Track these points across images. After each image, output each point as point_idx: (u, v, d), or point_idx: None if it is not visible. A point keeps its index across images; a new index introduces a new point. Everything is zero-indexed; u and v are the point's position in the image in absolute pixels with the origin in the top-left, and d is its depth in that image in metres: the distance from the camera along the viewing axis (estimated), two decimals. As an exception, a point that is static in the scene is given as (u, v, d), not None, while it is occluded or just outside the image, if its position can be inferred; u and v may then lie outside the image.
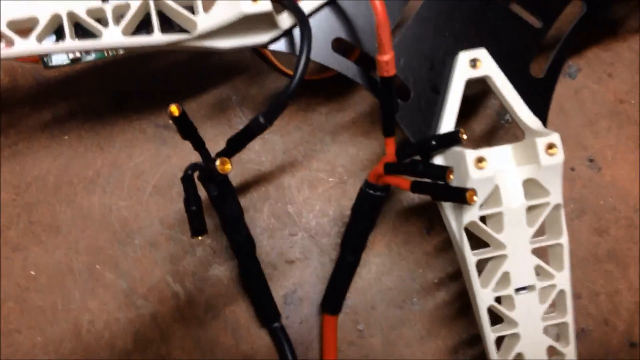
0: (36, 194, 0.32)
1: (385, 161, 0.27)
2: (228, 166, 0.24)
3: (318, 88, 0.34)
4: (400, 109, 0.28)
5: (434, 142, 0.26)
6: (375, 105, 0.34)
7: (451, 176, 0.25)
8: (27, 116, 0.33)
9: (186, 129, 0.25)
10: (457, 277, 0.33)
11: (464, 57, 0.27)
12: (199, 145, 0.26)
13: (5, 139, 0.32)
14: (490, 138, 0.34)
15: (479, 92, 0.34)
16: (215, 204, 0.28)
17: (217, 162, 0.23)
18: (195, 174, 0.27)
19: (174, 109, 0.23)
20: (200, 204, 0.26)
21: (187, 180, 0.26)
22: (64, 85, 0.32)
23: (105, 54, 0.27)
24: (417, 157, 0.28)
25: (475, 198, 0.24)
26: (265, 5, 0.24)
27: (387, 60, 0.25)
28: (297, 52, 0.24)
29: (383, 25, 0.24)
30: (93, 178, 0.33)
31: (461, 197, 0.24)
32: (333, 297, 0.31)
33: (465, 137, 0.26)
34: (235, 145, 0.25)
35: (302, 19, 0.25)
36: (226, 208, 0.28)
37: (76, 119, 0.33)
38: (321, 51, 0.27)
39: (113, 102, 0.33)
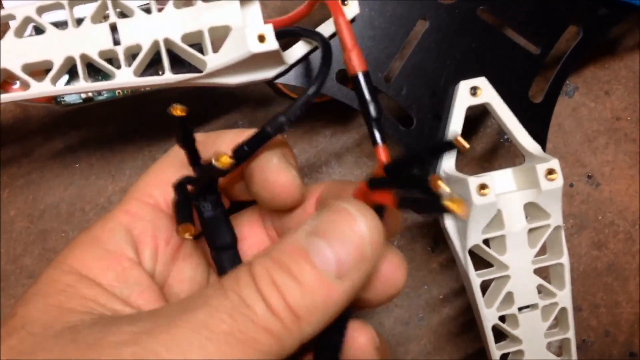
0: (50, 222, 0.33)
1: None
2: (225, 159, 0.20)
3: (322, 111, 0.34)
4: (404, 136, 0.29)
5: (429, 152, 0.24)
6: (378, 126, 0.35)
7: (439, 183, 0.19)
8: (39, 146, 0.33)
9: (186, 134, 0.22)
10: (461, 293, 0.34)
11: (464, 86, 0.28)
12: (194, 156, 0.23)
13: (18, 168, 0.33)
14: (491, 157, 0.35)
15: (479, 112, 0.35)
16: (207, 229, 0.24)
17: (213, 159, 0.20)
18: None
19: (179, 108, 0.20)
20: (190, 205, 0.23)
21: (179, 186, 0.23)
22: (75, 115, 0.33)
23: (117, 94, 0.28)
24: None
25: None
26: (272, 45, 0.25)
27: (351, 55, 0.23)
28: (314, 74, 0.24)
29: (342, 23, 0.23)
30: (105, 205, 0.33)
31: (436, 207, 0.21)
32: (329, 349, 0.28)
33: (465, 144, 0.22)
34: (244, 151, 0.22)
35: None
36: (219, 234, 0.24)
37: (87, 148, 0.33)
38: (326, 83, 0.28)
39: (123, 131, 0.34)
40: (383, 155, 0.22)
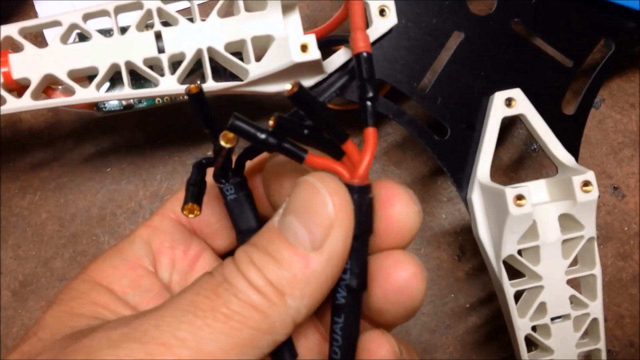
0: (80, 225, 0.33)
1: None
2: (229, 135, 0.20)
3: (349, 119, 0.35)
4: (438, 146, 0.29)
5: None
6: (407, 135, 0.35)
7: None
8: (70, 150, 0.34)
9: (203, 112, 0.21)
10: (487, 302, 0.34)
11: (499, 97, 0.28)
12: (215, 135, 0.21)
13: (50, 172, 0.33)
14: (517, 167, 0.35)
15: (505, 122, 0.35)
16: (231, 212, 0.23)
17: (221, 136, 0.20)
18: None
19: (193, 87, 0.20)
20: (203, 187, 0.23)
21: (197, 166, 0.23)
22: (106, 120, 0.33)
23: (156, 102, 0.28)
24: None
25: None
26: (315, 54, 0.25)
27: (358, 35, 0.22)
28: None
29: (356, 5, 0.23)
30: (135, 209, 0.34)
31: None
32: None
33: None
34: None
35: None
36: (242, 217, 0.23)
37: (118, 152, 0.34)
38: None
39: (154, 137, 0.34)
40: (372, 138, 0.21)
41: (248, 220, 0.23)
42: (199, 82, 0.21)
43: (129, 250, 0.23)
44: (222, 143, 0.20)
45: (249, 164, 0.23)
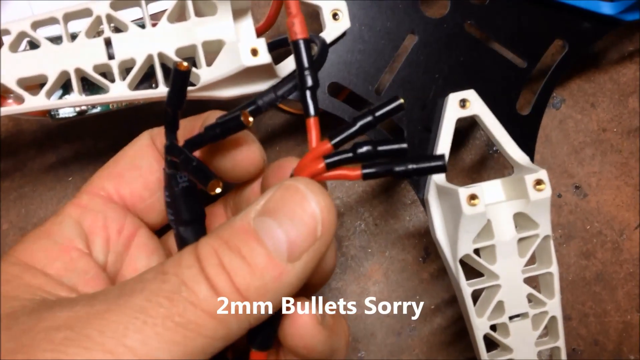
0: (42, 235, 0.33)
1: (317, 151, 0.21)
2: (248, 115, 0.20)
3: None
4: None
5: (371, 118, 0.21)
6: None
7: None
8: (32, 159, 0.34)
9: (180, 92, 0.21)
10: (452, 303, 0.34)
11: (454, 98, 0.28)
12: (174, 122, 0.22)
13: (11, 182, 0.33)
14: (479, 168, 0.35)
15: (467, 124, 0.35)
16: (179, 200, 0.23)
17: (242, 116, 0.20)
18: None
19: (184, 64, 0.20)
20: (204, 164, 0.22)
21: (189, 147, 0.22)
22: (69, 128, 0.33)
23: (110, 107, 0.28)
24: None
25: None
26: (265, 58, 0.25)
27: (295, 21, 0.22)
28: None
29: None
30: (98, 218, 0.33)
31: (439, 166, 0.20)
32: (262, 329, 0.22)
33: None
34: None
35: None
36: (189, 207, 0.23)
37: (81, 161, 0.34)
38: (318, 96, 0.28)
39: (117, 144, 0.34)
40: (315, 127, 0.21)
41: (195, 210, 0.23)
42: (187, 64, 0.20)
43: (59, 231, 0.22)
44: (243, 119, 0.20)
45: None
